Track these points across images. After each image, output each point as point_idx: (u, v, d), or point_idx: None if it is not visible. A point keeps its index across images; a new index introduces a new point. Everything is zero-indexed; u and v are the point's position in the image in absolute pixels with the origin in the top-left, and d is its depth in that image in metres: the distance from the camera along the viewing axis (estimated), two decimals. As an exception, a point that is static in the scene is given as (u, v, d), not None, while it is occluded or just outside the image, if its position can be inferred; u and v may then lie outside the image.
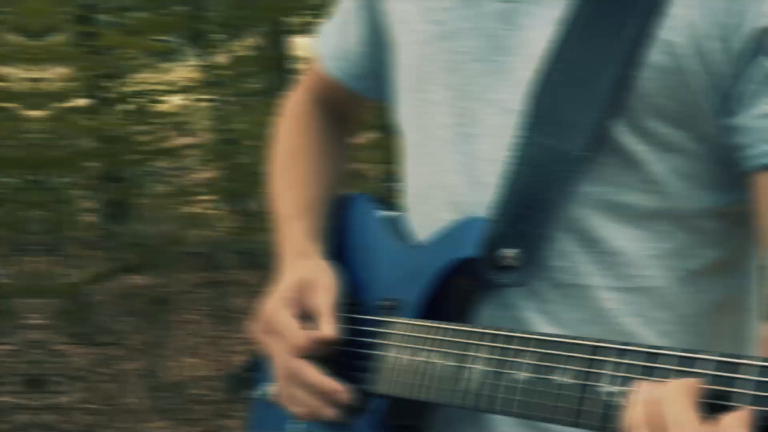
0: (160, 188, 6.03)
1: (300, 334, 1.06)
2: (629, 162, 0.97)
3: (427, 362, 0.98)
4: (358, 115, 1.37)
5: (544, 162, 0.98)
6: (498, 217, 0.99)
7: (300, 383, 1.06)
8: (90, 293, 5.02)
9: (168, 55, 6.29)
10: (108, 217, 5.98)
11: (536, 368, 0.87)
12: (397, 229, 1.14)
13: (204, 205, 5.75)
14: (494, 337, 0.92)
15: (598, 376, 0.83)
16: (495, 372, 0.90)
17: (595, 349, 0.84)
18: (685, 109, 0.95)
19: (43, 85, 4.05)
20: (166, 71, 6.21)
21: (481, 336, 0.93)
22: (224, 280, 5.29)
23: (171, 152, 5.63)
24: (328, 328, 1.06)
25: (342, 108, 1.32)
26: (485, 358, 0.92)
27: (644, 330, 0.99)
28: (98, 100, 5.51)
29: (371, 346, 1.07)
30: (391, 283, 1.09)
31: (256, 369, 1.21)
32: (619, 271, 1.00)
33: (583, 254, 1.00)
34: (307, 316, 1.09)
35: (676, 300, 1.01)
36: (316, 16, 4.82)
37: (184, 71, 6.25)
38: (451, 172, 1.05)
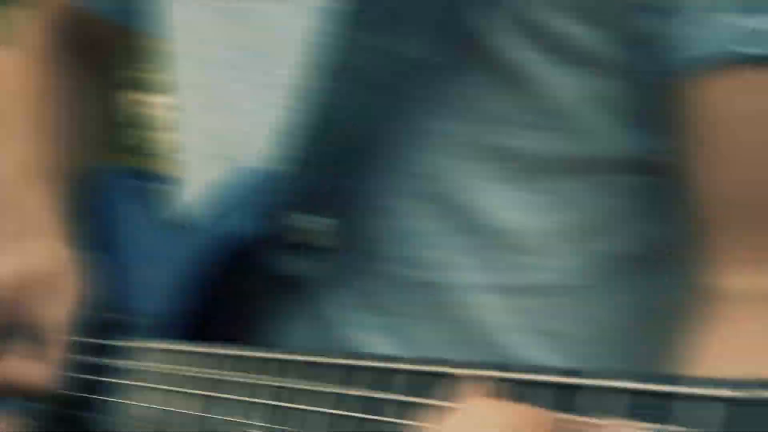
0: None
1: None
2: (514, 79, 0.63)
3: (164, 408, 0.64)
4: (118, 50, 1.00)
5: (373, 76, 0.63)
6: (297, 168, 0.64)
7: None
8: None
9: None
10: None
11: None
12: (161, 210, 0.81)
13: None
14: (262, 362, 0.56)
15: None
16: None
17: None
18: None
19: None
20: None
21: (237, 360, 0.58)
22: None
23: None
24: (43, 369, 0.73)
25: (92, 39, 0.95)
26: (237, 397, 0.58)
27: (540, 352, 0.66)
28: None
29: (94, 385, 0.74)
30: (142, 287, 0.75)
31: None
32: (502, 259, 0.66)
33: (443, 233, 0.66)
34: (20, 331, 0.74)
35: (590, 302, 0.68)
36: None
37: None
38: (238, 102, 0.72)
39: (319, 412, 0.49)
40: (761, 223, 0.60)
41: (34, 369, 0.73)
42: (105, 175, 0.90)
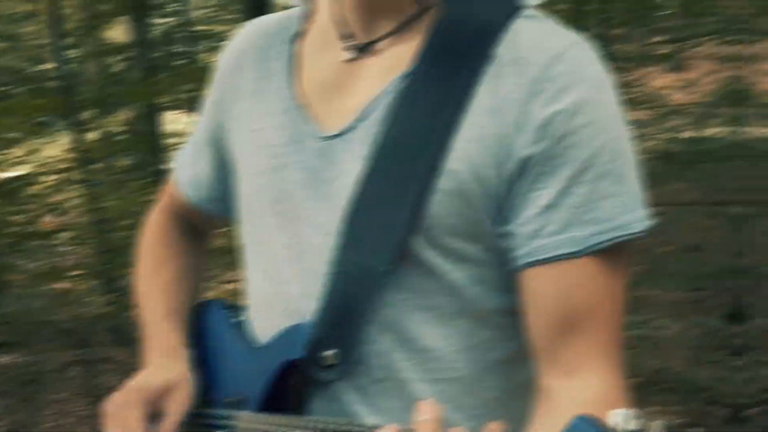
0: (31, 266, 5.97)
1: None
2: (431, 272, 1.11)
3: None
4: (212, 229, 1.56)
5: (357, 275, 1.11)
6: (321, 322, 1.13)
7: None
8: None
9: (40, 133, 6.25)
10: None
11: None
12: (243, 332, 1.31)
13: (75, 283, 5.74)
14: (319, 425, 1.07)
15: None
16: None
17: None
18: (472, 225, 1.09)
19: None
20: (37, 151, 6.17)
21: (306, 423, 1.10)
22: (95, 358, 5.26)
23: (44, 234, 5.61)
24: None
25: (197, 224, 1.51)
26: None
27: (455, 414, 1.12)
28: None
29: None
30: (238, 381, 1.26)
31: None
32: (431, 364, 1.14)
33: (399, 351, 1.14)
34: (156, 417, 1.22)
35: (481, 387, 1.16)
36: (188, 92, 4.95)
37: (55, 149, 6.22)
38: (287, 283, 1.20)
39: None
40: (548, 350, 1.10)
41: None
42: (206, 307, 1.42)
